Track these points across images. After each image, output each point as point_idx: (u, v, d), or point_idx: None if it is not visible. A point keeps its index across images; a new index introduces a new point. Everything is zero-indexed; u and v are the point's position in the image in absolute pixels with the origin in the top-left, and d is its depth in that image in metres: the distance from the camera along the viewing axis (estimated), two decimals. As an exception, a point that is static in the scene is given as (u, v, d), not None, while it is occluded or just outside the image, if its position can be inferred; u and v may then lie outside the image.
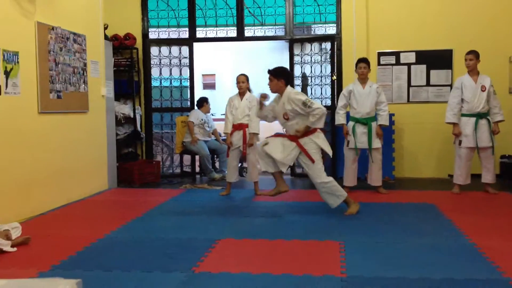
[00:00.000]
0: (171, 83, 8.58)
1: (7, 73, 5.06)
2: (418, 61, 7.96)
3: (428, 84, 7.96)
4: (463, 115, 6.45)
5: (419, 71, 7.97)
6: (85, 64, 6.53)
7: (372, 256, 3.91)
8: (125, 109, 8.11)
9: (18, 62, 5.23)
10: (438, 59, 7.90)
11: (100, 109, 7.03)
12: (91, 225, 5.05)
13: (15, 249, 4.14)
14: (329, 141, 7.87)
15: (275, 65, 5.60)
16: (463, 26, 7.79)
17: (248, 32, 8.40)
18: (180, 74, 8.55)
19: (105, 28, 7.46)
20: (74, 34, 6.30)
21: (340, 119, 6.67)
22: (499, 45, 7.71)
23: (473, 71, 6.43)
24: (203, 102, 8.38)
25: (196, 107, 8.37)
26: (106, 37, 7.45)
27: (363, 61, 6.59)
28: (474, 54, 6.41)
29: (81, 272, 3.58)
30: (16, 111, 5.24)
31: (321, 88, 8.12)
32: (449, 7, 7.86)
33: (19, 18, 5.33)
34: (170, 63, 8.51)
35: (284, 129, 5.61)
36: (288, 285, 3.30)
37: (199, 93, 9.08)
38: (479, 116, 6.37)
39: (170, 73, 8.53)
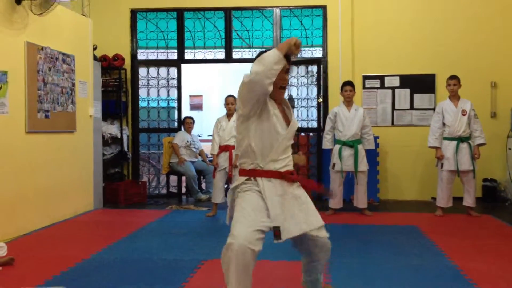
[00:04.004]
0: (158, 103, 8.63)
1: (-5, 93, 5.09)
2: (402, 85, 8.11)
3: (412, 107, 8.10)
4: (444, 138, 6.58)
5: (403, 94, 8.12)
6: (73, 84, 6.57)
7: (356, 276, 3.95)
8: (112, 129, 8.13)
9: (7, 81, 5.26)
10: (421, 83, 8.06)
11: (88, 129, 7.05)
12: (76, 246, 5.04)
13: (0, 268, 4.12)
14: (314, 163, 8.04)
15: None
16: (446, 51, 7.98)
17: (236, 54, 8.50)
18: (168, 95, 8.61)
19: (94, 49, 7.52)
20: (63, 54, 6.34)
21: (327, 143, 6.79)
22: (482, 70, 7.90)
23: (455, 96, 6.58)
24: (185, 119, 8.43)
25: (182, 129, 8.41)
26: (95, 58, 7.51)
27: (348, 84, 6.71)
28: (457, 79, 6.56)
29: (66, 292, 3.58)
30: (3, 130, 5.26)
31: (307, 110, 8.22)
32: (433, 32, 8.05)
33: (8, 37, 5.38)
34: (158, 84, 8.57)
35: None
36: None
37: (186, 114, 9.11)
38: (460, 139, 6.50)
39: (158, 94, 8.59)
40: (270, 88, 2.79)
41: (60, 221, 6.22)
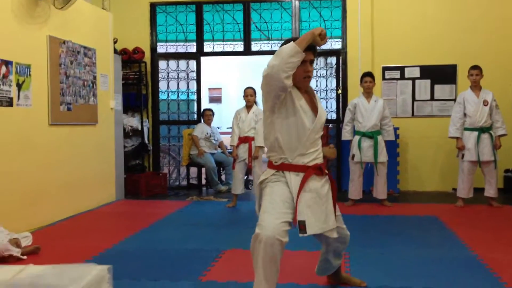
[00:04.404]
0: (178, 96, 8.70)
1: (19, 86, 5.19)
2: (423, 76, 8.04)
3: (432, 98, 8.04)
4: (465, 129, 6.53)
5: (423, 85, 8.05)
6: (94, 77, 6.66)
7: (376, 266, 3.96)
8: (133, 121, 8.22)
9: (30, 74, 5.36)
10: (442, 74, 7.99)
11: (109, 121, 7.14)
12: (99, 236, 5.13)
13: (25, 257, 4.22)
14: (334, 154, 8.01)
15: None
16: (467, 42, 7.88)
17: (254, 47, 8.51)
18: (187, 87, 8.68)
19: (115, 42, 7.61)
20: (85, 47, 6.43)
21: (346, 135, 6.78)
22: (503, 60, 7.79)
23: (477, 86, 6.52)
24: (204, 111, 8.50)
25: (202, 121, 8.47)
26: (115, 51, 7.59)
27: (368, 75, 6.69)
28: (480, 70, 6.49)
29: (90, 280, 3.65)
30: (27, 122, 5.36)
31: (327, 102, 8.21)
32: (453, 22, 7.96)
33: (31, 31, 5.47)
34: (178, 76, 8.64)
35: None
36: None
37: (205, 106, 9.18)
38: (482, 130, 6.44)
39: (178, 87, 8.66)
40: (288, 82, 2.71)
41: (83, 212, 6.33)
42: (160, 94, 8.59)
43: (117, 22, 7.61)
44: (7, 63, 5.03)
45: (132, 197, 7.53)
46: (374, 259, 4.17)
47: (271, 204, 2.85)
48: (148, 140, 8.47)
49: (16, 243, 4.28)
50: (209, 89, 16.37)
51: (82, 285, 2.04)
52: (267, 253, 2.75)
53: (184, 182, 8.71)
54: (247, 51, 8.51)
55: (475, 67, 6.52)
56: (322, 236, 3.05)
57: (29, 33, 5.43)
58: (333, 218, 2.98)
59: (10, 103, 5.07)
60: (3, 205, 4.98)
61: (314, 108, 2.96)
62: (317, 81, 8.29)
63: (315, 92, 3.11)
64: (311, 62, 2.92)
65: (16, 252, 4.17)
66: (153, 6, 8.52)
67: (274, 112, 2.90)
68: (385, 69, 8.11)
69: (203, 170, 8.44)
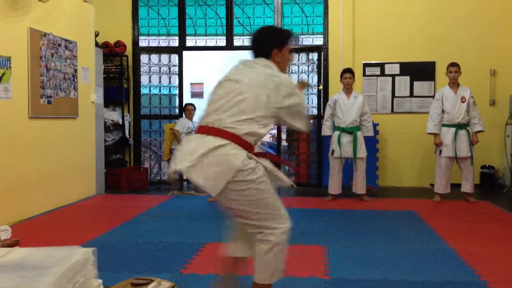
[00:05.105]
0: (160, 90, 8.68)
1: (-1, 78, 5.15)
2: (402, 73, 8.15)
3: (411, 95, 8.15)
4: (443, 125, 6.64)
5: (403, 82, 8.16)
6: (75, 71, 6.62)
7: (355, 259, 4.03)
8: (114, 115, 8.19)
9: (10, 67, 5.31)
10: (421, 71, 8.11)
11: (90, 115, 7.10)
12: (79, 229, 5.12)
13: (4, 250, 4.20)
14: (314, 149, 8.11)
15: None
16: (446, 39, 8.01)
17: (237, 42, 8.54)
18: (169, 82, 8.67)
19: (96, 35, 7.56)
20: (66, 40, 6.39)
21: (326, 130, 6.85)
22: (481, 57, 7.94)
23: (455, 83, 6.63)
24: (186, 106, 8.45)
25: (183, 115, 8.46)
26: (97, 44, 7.54)
27: (348, 71, 6.76)
28: (458, 67, 6.60)
29: (71, 273, 3.65)
30: (7, 115, 5.32)
31: (308, 98, 8.27)
32: (433, 20, 8.08)
33: (12, 24, 5.42)
34: (160, 71, 8.62)
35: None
36: (273, 285, 3.39)
37: (187, 101, 9.15)
38: (459, 126, 6.56)
39: (160, 81, 8.64)
40: None
41: (63, 205, 6.30)
42: (141, 88, 8.57)
43: (98, 15, 7.56)
44: (-13, 55, 4.99)
45: (113, 192, 7.51)
46: (352, 252, 4.24)
47: (278, 199, 2.83)
48: (129, 134, 8.45)
49: (-5, 236, 4.27)
50: (191, 84, 16.37)
51: (68, 265, 2.07)
52: None
53: (165, 177, 8.71)
54: (229, 46, 8.53)
55: (453, 64, 6.63)
56: None
57: (9, 25, 5.38)
58: None
59: (-11, 95, 5.03)
60: (-18, 198, 4.95)
61: None
62: (298, 77, 8.35)
63: None
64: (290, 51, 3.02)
65: (-5, 245, 4.16)
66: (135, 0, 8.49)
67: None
68: (365, 65, 8.20)
69: (185, 164, 8.41)
